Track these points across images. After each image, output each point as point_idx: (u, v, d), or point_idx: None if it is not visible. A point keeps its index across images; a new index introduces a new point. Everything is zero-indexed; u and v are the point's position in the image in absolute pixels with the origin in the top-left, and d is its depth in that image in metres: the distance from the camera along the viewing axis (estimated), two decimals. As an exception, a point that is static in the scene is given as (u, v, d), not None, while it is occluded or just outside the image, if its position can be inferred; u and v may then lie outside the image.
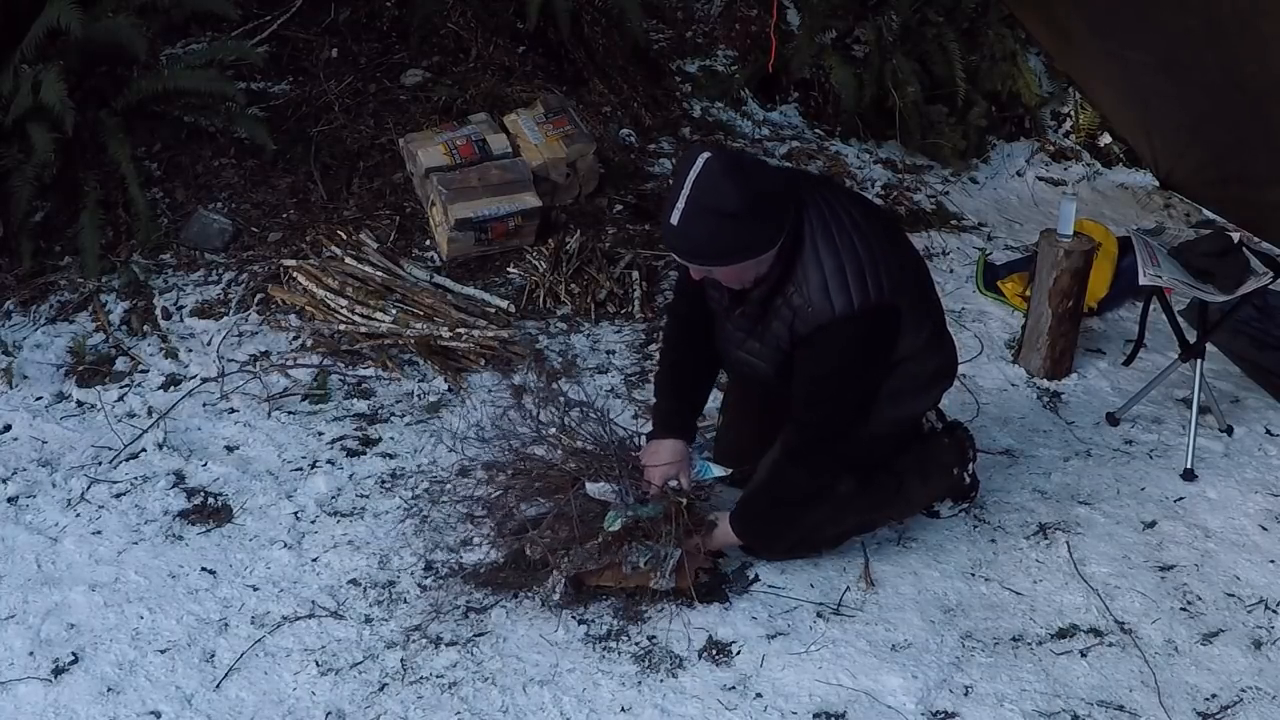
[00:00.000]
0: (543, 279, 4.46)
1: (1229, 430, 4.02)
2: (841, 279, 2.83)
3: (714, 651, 3.01)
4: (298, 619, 3.07)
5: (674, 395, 3.30)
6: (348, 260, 4.35)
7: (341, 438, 3.74)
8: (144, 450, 3.65)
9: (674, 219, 2.73)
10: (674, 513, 3.08)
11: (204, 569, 3.23)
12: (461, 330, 4.12)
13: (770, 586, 3.22)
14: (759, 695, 2.90)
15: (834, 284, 2.82)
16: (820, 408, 2.99)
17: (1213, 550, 3.49)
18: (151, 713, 2.81)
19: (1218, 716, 2.94)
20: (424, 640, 3.01)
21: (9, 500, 3.46)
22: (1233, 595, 3.32)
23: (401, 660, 2.96)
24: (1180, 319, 4.08)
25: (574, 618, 3.08)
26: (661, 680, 2.93)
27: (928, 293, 3.13)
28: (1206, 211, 5.45)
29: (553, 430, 3.30)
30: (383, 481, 3.57)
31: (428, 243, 4.64)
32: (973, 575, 3.33)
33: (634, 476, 3.15)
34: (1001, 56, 5.81)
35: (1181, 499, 3.70)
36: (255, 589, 3.17)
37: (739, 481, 3.34)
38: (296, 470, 3.61)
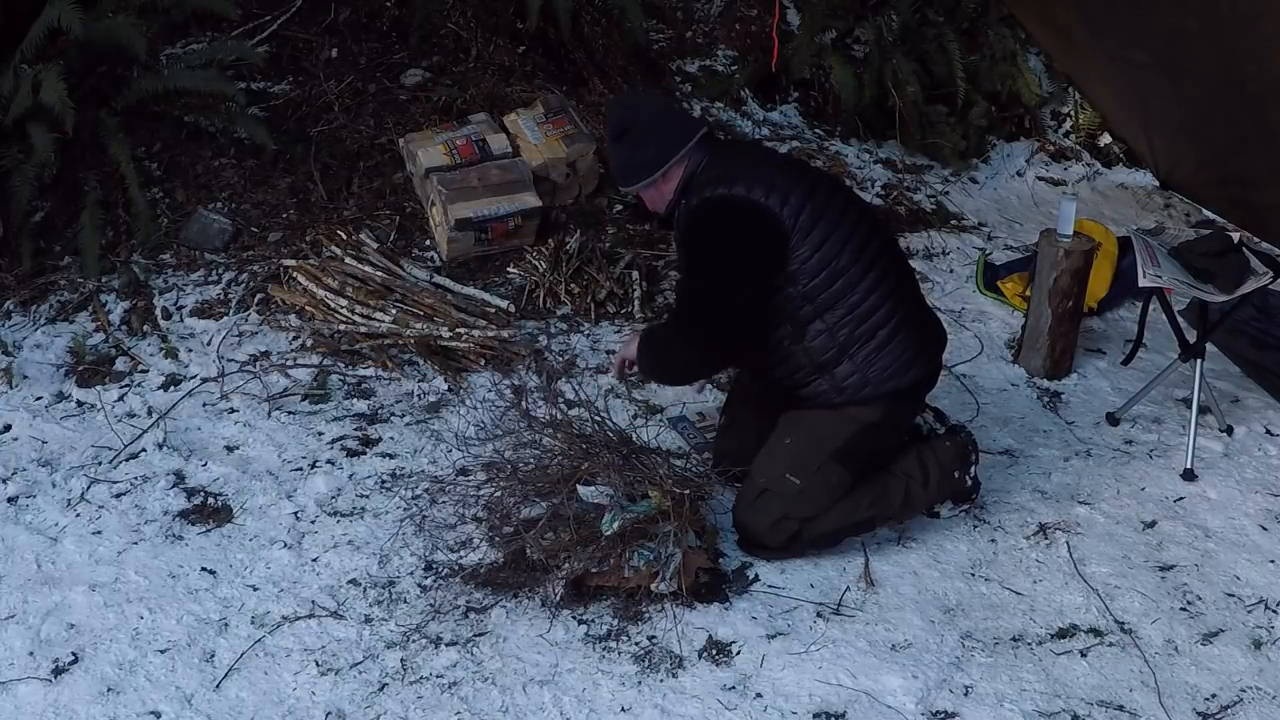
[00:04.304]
0: (543, 279, 4.46)
1: (1229, 430, 4.02)
2: (714, 183, 3.15)
3: (714, 651, 3.01)
4: (298, 619, 3.07)
5: None
6: (348, 260, 4.35)
7: (341, 438, 3.74)
8: (144, 450, 3.65)
9: None
10: (674, 511, 3.07)
11: (204, 569, 3.23)
12: (461, 330, 4.12)
13: (770, 586, 3.22)
14: (759, 695, 2.90)
15: (707, 186, 3.16)
16: (686, 280, 3.38)
17: (1213, 550, 3.49)
18: (151, 713, 2.81)
19: (1218, 716, 2.94)
20: (424, 640, 3.01)
21: (9, 500, 3.45)
22: (1233, 595, 3.32)
23: (401, 660, 2.96)
24: (1180, 319, 4.08)
25: (574, 618, 3.08)
26: (661, 680, 2.92)
27: (830, 203, 3.17)
28: (1206, 211, 5.45)
29: (549, 430, 3.30)
30: (383, 481, 3.57)
31: (428, 243, 4.64)
32: (973, 575, 3.33)
33: (627, 473, 3.14)
34: (1001, 56, 5.81)
35: (1181, 499, 3.70)
36: (255, 589, 3.17)
37: (739, 479, 3.34)
38: (296, 470, 3.61)
